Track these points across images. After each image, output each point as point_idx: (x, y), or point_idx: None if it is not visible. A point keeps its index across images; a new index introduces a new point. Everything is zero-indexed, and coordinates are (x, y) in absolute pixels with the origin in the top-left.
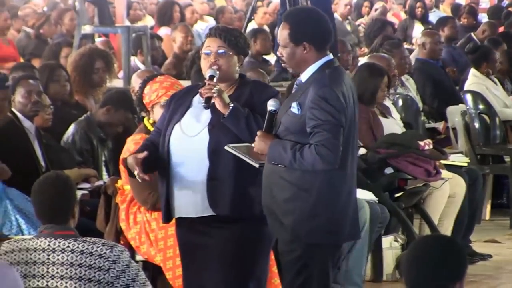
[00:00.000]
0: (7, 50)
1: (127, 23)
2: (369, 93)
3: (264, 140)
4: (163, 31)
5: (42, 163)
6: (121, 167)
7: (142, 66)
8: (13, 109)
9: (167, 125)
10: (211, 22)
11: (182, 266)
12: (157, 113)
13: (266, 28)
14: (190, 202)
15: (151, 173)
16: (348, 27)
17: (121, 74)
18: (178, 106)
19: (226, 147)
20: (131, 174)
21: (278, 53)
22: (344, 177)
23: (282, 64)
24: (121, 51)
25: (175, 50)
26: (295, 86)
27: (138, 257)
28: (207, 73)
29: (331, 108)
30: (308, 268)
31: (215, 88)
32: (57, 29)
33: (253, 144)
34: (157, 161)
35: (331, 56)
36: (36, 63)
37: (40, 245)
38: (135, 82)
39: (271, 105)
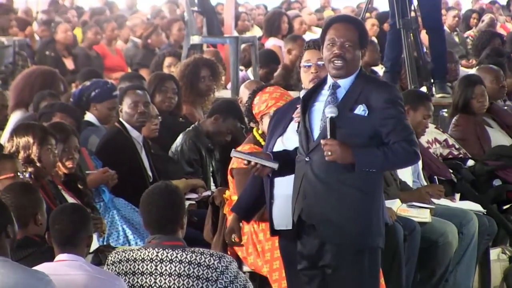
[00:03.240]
0: (114, 59)
1: (235, 33)
2: (462, 101)
3: (346, 148)
4: (271, 42)
5: (150, 173)
6: (229, 178)
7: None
8: (121, 119)
9: (270, 139)
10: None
11: (286, 277)
12: (266, 123)
13: (374, 39)
14: (286, 214)
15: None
16: (456, 39)
17: (229, 85)
18: (280, 119)
19: (232, 153)
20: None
21: (337, 51)
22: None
23: (338, 63)
24: (229, 61)
25: (286, 61)
26: (329, 90)
27: (245, 268)
28: (300, 94)
29: (403, 105)
30: (373, 274)
31: None
32: (165, 39)
33: (329, 153)
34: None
35: None
36: (144, 73)
37: (148, 256)
38: (243, 93)
39: (330, 112)
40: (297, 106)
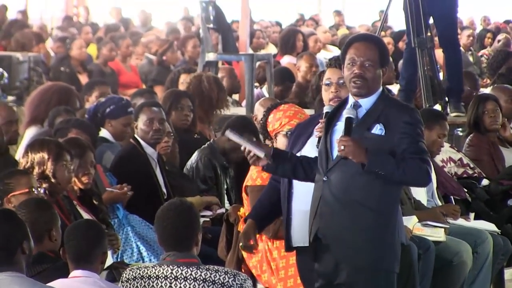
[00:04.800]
0: (129, 76)
1: (250, 51)
2: (474, 118)
3: (360, 146)
4: (286, 60)
5: (164, 190)
6: (244, 195)
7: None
8: (135, 136)
9: None
10: (335, 51)
11: None
12: (280, 141)
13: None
14: (305, 231)
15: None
16: (471, 58)
17: (244, 102)
18: (300, 135)
19: (227, 133)
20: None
21: (357, 71)
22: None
23: (358, 83)
24: (244, 79)
25: (298, 79)
26: (350, 109)
27: (260, 286)
28: (324, 109)
29: (422, 129)
30: None
31: None
32: (180, 56)
33: (341, 147)
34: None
35: None
36: (158, 90)
37: (162, 273)
38: (258, 110)
39: (348, 113)
40: (319, 121)
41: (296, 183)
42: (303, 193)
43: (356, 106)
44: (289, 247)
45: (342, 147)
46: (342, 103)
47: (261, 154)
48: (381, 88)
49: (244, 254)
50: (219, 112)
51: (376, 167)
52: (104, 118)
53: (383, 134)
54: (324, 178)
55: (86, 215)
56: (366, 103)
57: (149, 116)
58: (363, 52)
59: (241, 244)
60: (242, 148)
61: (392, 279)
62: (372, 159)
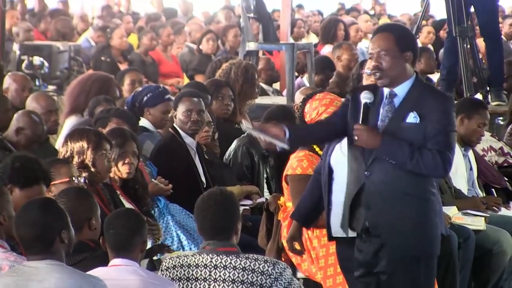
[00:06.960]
0: (169, 66)
1: (291, 40)
2: None
3: (374, 134)
4: (327, 49)
5: (203, 179)
6: (284, 184)
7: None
8: (174, 125)
9: (329, 145)
10: None
11: (347, 283)
12: None
13: (430, 47)
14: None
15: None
16: None
17: (285, 91)
18: None
19: (245, 128)
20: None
21: (373, 63)
22: None
23: (376, 75)
24: (284, 68)
25: (338, 68)
26: (386, 98)
27: (299, 275)
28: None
29: (454, 117)
30: (428, 283)
31: None
32: (220, 46)
33: (355, 137)
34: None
35: None
36: (199, 79)
37: (202, 261)
38: (299, 99)
39: (365, 97)
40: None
41: (336, 175)
42: (342, 185)
43: (392, 95)
44: (331, 237)
45: (356, 137)
46: (380, 90)
47: (284, 146)
48: (414, 74)
49: (285, 243)
50: (249, 102)
51: (386, 155)
52: (142, 107)
53: (417, 122)
54: (366, 173)
55: (128, 205)
56: (401, 91)
57: (188, 106)
58: (377, 43)
59: (289, 248)
60: (262, 139)
61: (433, 264)
62: (382, 148)
